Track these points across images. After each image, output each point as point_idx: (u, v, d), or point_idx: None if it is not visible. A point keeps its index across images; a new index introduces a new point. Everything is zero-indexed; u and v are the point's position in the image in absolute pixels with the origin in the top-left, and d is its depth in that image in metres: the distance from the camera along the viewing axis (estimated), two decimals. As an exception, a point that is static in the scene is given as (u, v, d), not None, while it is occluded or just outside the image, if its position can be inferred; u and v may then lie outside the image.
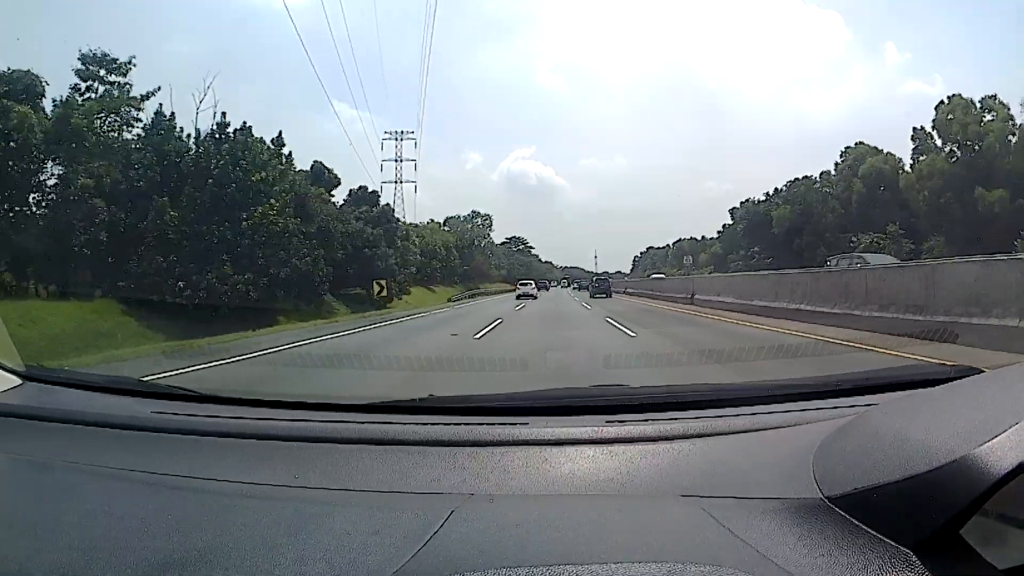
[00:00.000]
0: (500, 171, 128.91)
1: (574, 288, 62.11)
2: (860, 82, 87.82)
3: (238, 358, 7.63)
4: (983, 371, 1.11)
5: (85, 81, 19.88)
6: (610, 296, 32.64)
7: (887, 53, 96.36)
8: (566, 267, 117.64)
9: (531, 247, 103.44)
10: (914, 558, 0.62)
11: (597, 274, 62.58)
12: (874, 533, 0.66)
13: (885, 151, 46.50)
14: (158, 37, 63.48)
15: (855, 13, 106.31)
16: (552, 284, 73.57)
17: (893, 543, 0.64)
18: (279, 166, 22.86)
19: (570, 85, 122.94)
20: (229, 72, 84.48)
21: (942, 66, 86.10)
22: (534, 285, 39.92)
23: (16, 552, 0.77)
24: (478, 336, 10.14)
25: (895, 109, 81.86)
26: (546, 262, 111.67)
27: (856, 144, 49.25)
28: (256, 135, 21.94)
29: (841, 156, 49.88)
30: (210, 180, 19.39)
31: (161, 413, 1.29)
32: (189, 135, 20.68)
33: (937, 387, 0.94)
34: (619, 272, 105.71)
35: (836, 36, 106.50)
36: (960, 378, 1.05)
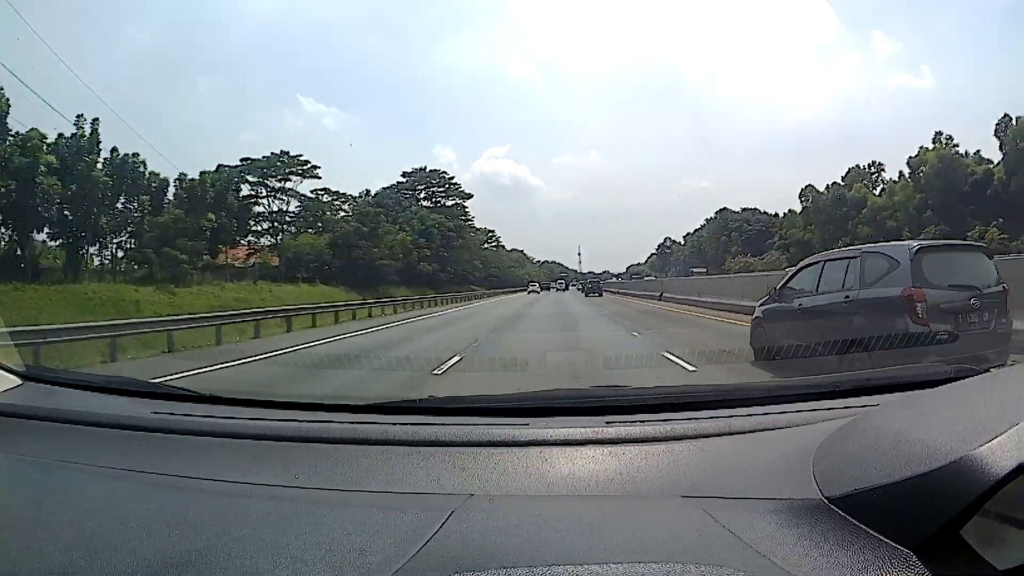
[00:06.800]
0: (473, 171, 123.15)
1: (576, 288, 59.94)
2: (849, 74, 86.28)
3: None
4: (983, 371, 1.11)
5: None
6: (601, 295, 39.31)
7: (875, 43, 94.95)
8: (545, 262, 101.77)
9: (461, 204, 58.08)
10: (914, 559, 0.62)
11: (592, 277, 64.11)
12: (874, 534, 0.66)
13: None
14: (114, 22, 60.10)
15: (843, 1, 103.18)
16: (554, 286, 67.32)
17: (893, 543, 0.64)
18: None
19: (545, 81, 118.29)
20: (189, 62, 77.58)
21: (930, 59, 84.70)
22: (539, 286, 57.76)
23: (16, 552, 0.77)
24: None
25: (883, 102, 78.39)
26: (514, 250, 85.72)
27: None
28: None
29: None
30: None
31: (161, 413, 1.29)
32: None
33: (937, 387, 0.94)
34: (606, 272, 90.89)
35: (823, 25, 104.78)
36: (960, 378, 1.05)
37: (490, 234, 73.26)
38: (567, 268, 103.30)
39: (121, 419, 1.25)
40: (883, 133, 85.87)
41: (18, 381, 1.44)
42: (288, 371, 8.24)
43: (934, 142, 46.09)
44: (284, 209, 43.46)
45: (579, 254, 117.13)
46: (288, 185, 42.70)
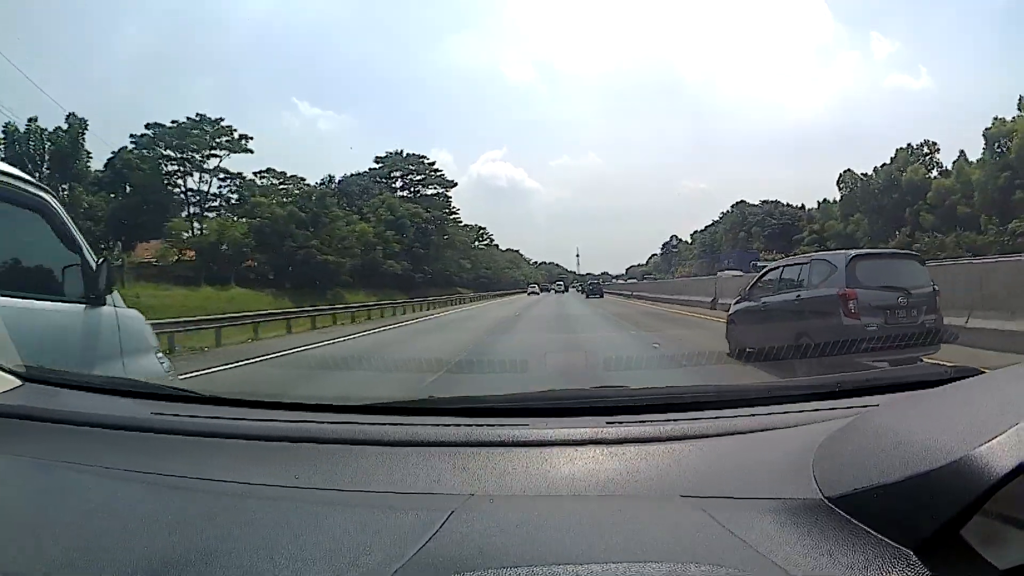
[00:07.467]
0: (470, 174, 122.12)
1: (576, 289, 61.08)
2: (847, 74, 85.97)
3: None
4: (983, 371, 1.11)
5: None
6: (602, 296, 39.01)
7: (873, 43, 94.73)
8: (542, 263, 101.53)
9: (443, 193, 48.49)
10: (914, 558, 0.62)
11: (591, 278, 64.80)
12: (874, 533, 0.66)
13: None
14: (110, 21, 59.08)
15: (841, 1, 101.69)
16: (553, 287, 67.38)
17: (893, 543, 0.64)
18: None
19: (542, 82, 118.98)
20: (184, 63, 77.04)
21: (928, 59, 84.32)
22: (538, 287, 58.76)
23: (16, 552, 0.77)
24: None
25: (881, 102, 77.94)
26: (509, 250, 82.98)
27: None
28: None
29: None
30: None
31: (161, 414, 1.29)
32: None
33: (937, 387, 0.94)
34: (605, 273, 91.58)
35: (821, 26, 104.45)
36: (960, 378, 1.05)
37: (481, 231, 65.56)
38: (565, 269, 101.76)
39: (121, 420, 1.25)
40: (882, 133, 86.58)
41: (18, 382, 1.43)
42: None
43: (1020, 108, 37.17)
44: (205, 190, 32.80)
45: (577, 255, 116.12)
46: (210, 163, 32.11)
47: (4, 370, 1.43)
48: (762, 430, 1.03)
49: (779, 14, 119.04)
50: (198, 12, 79.61)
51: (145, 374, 2.98)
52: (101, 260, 3.00)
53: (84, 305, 2.90)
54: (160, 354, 3.49)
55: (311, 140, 79.05)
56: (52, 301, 2.77)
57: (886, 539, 0.64)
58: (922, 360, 6.16)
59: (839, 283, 6.49)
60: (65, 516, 0.85)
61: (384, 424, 1.19)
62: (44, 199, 2.87)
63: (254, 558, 0.71)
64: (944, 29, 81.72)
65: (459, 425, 1.17)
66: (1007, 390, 0.79)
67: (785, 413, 1.11)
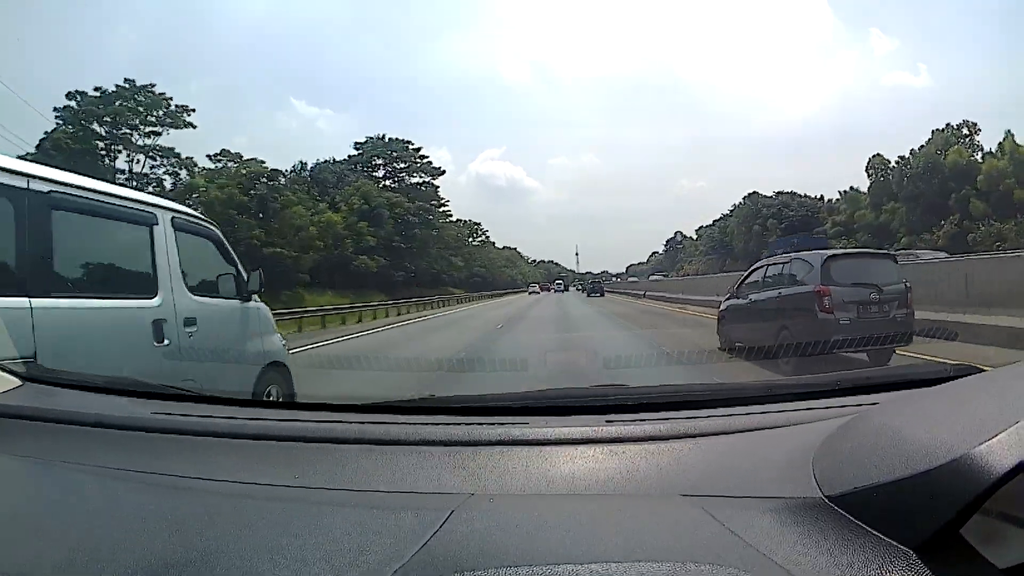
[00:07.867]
0: (469, 173, 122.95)
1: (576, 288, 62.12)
2: (846, 72, 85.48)
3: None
4: (983, 370, 1.11)
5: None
6: (602, 295, 39.84)
7: (873, 40, 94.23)
8: (541, 262, 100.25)
9: (430, 183, 43.21)
10: (915, 557, 0.62)
11: (592, 277, 66.07)
12: (874, 532, 0.66)
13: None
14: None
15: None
16: (552, 287, 67.56)
17: (893, 542, 0.64)
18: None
19: (540, 83, 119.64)
20: (181, 65, 76.48)
21: (928, 56, 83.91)
22: (538, 287, 60.15)
23: (16, 552, 0.77)
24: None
25: (881, 100, 77.23)
26: (506, 247, 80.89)
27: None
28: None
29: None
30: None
31: (161, 414, 1.29)
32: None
33: (937, 386, 0.94)
34: (605, 272, 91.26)
35: (821, 23, 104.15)
36: (960, 377, 1.05)
37: (475, 227, 60.61)
38: (564, 268, 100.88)
39: (121, 419, 1.25)
40: (882, 131, 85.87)
41: (18, 382, 1.44)
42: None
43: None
44: (138, 171, 28.30)
45: (576, 254, 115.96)
46: (149, 140, 27.96)
47: (4, 370, 1.44)
48: (761, 429, 1.03)
49: (778, 11, 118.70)
50: (193, 12, 79.47)
51: (273, 346, 4.61)
52: (253, 270, 4.49)
53: (239, 301, 4.34)
54: (278, 334, 4.89)
55: (309, 141, 78.99)
56: (223, 299, 4.19)
57: (886, 538, 0.64)
58: (895, 352, 6.73)
59: (815, 280, 7.15)
60: (65, 516, 0.85)
61: (384, 423, 1.19)
62: (212, 229, 4.30)
63: (254, 558, 0.71)
64: (944, 27, 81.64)
65: (459, 424, 1.17)
66: (1007, 388, 0.79)
67: (785, 412, 1.11)
